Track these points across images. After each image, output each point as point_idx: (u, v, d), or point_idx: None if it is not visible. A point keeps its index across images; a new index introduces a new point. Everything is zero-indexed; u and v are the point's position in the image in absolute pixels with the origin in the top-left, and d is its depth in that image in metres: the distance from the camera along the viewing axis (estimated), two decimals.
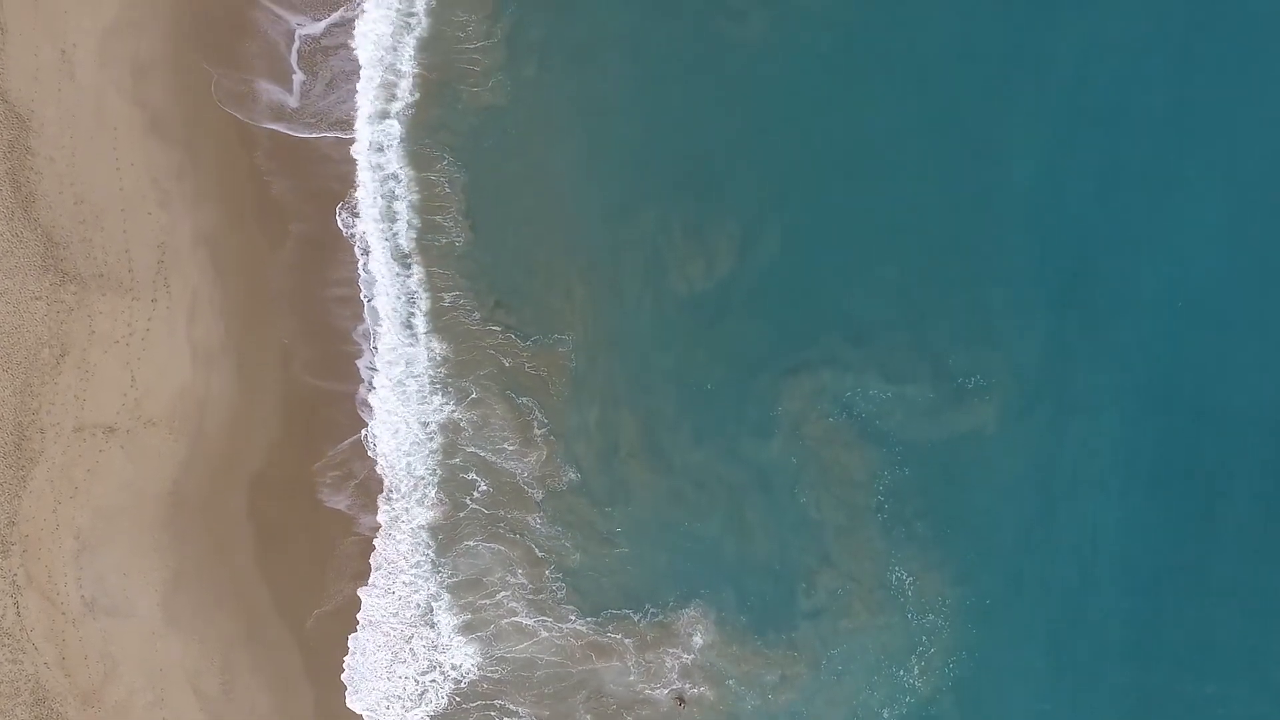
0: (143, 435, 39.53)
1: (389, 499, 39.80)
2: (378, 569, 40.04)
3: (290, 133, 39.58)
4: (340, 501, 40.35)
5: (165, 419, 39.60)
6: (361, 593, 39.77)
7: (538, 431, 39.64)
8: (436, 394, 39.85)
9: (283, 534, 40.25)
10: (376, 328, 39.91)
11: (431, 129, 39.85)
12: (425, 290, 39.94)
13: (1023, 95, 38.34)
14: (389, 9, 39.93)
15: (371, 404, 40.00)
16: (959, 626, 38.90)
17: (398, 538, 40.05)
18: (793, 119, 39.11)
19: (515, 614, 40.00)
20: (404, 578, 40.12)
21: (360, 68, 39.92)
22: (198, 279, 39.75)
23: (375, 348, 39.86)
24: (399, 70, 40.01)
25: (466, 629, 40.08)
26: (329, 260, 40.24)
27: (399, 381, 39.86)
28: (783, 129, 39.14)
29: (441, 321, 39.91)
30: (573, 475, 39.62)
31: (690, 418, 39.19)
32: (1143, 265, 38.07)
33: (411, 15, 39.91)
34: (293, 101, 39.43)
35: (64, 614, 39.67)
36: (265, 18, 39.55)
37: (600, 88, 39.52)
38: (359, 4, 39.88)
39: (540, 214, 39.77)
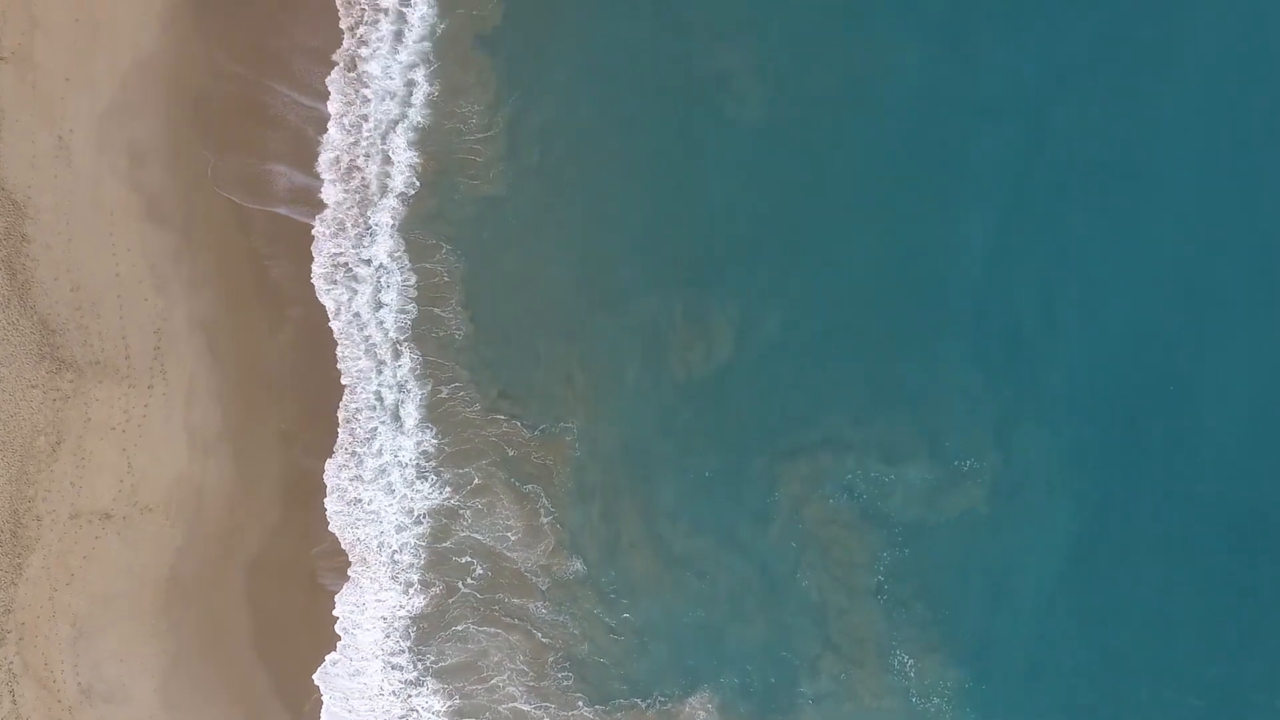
0: (139, 521, 39.28)
1: (368, 581, 39.70)
2: (360, 655, 39.89)
3: (292, 216, 39.45)
4: (341, 586, 40.17)
5: (162, 505, 39.35)
6: (338, 670, 39.58)
7: (544, 519, 39.49)
8: (425, 481, 39.67)
9: (281, 618, 39.99)
10: (363, 415, 39.79)
11: (429, 219, 39.70)
12: (417, 380, 39.74)
13: (1023, 189, 38.34)
14: (389, 100, 39.77)
15: (360, 497, 39.90)
16: (962, 710, 38.72)
17: (373, 622, 39.92)
18: (792, 204, 39.05)
19: (514, 700, 39.75)
20: (385, 660, 39.96)
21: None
22: (195, 364, 39.53)
23: (361, 434, 39.74)
24: (397, 159, 39.84)
25: (457, 714, 39.86)
26: (328, 344, 40.06)
27: (382, 469, 39.70)
28: (782, 214, 39.09)
29: (438, 411, 39.72)
30: (578, 565, 39.46)
31: (691, 506, 39.07)
32: (1124, 356, 37.99)
33: (410, 106, 39.72)
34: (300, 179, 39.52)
35: (60, 702, 39.35)
36: (272, 101, 39.40)
37: (599, 175, 39.52)
38: (361, 92, 39.77)
39: (540, 302, 39.63)
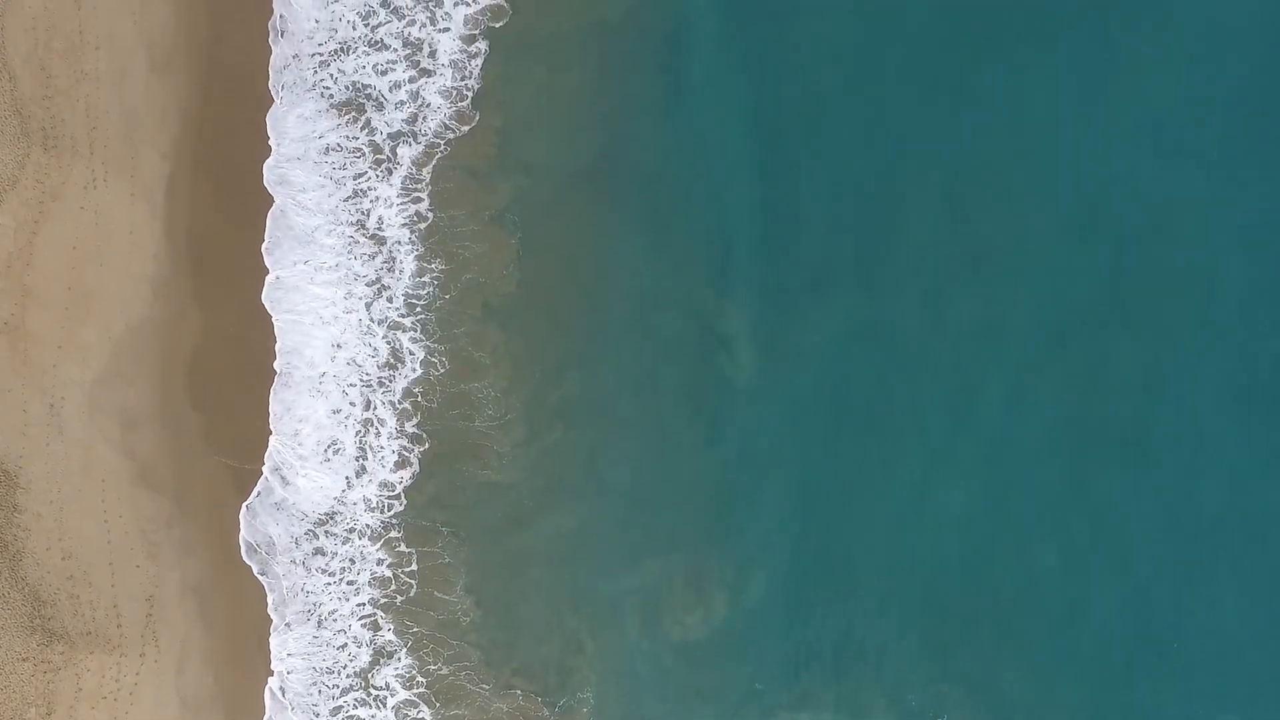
0: None
1: None
2: None
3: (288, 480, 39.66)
4: None
5: None
6: None
7: None
8: None
9: None
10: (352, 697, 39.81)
11: (428, 504, 39.79)
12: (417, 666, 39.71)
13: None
14: (391, 389, 40.04)
15: None
16: None
17: None
18: (782, 465, 39.72)
19: None
20: None
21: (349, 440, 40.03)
22: (186, 630, 39.52)
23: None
24: (398, 444, 40.00)
25: None
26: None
27: None
28: (773, 475, 39.73)
29: (439, 686, 39.81)
30: None
31: None
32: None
33: (411, 396, 39.89)
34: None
35: None
36: (268, 363, 39.66)
37: (602, 451, 39.87)
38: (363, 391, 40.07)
39: (547, 578, 39.84)
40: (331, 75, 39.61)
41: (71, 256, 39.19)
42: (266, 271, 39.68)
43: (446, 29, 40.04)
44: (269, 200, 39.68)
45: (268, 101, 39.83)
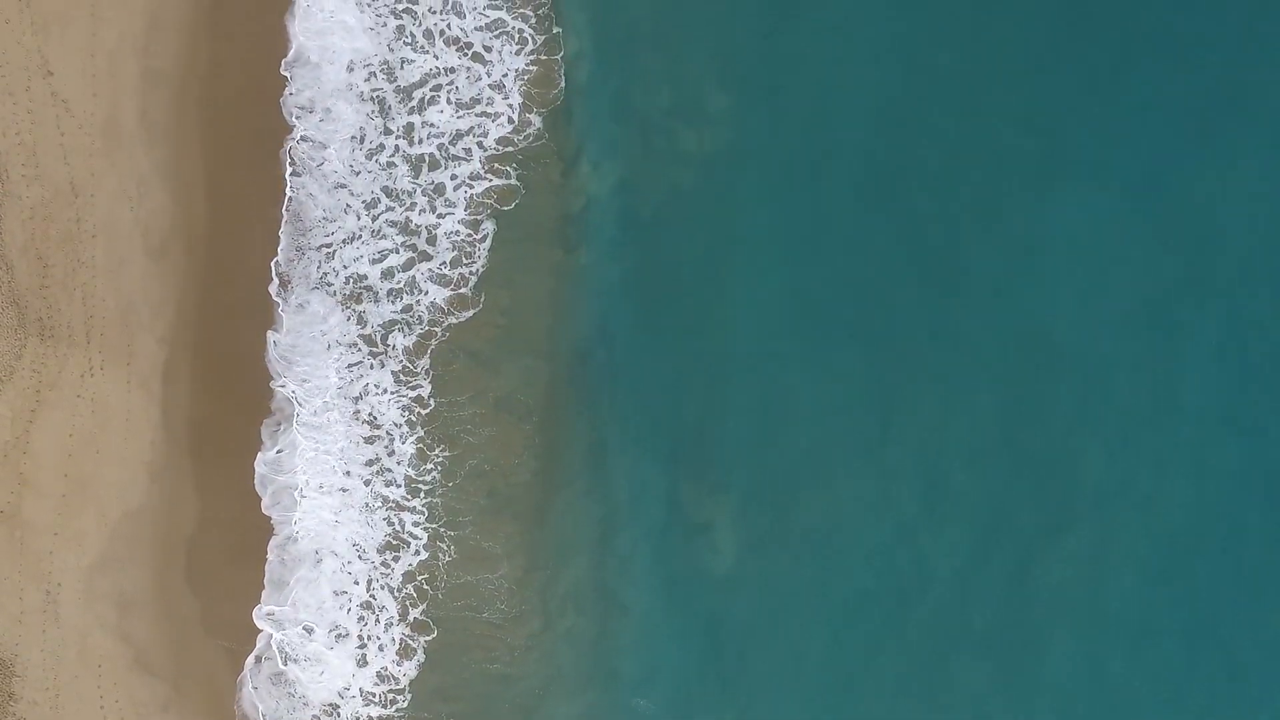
0: None
1: None
2: None
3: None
4: None
5: None
6: None
7: None
8: None
9: None
10: None
11: (431, 698, 39.87)
12: None
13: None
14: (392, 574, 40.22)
15: None
16: None
17: None
18: (768, 658, 40.07)
19: None
20: None
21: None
22: None
23: None
24: (400, 631, 40.19)
25: None
26: None
27: None
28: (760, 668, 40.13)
29: None
30: None
31: None
32: None
33: (414, 581, 40.08)
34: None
35: None
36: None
37: (609, 638, 40.19)
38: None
39: None
40: (335, 268, 39.59)
41: (68, 444, 39.20)
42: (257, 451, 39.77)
43: (449, 213, 39.99)
44: (264, 383, 39.72)
45: (263, 285, 39.78)
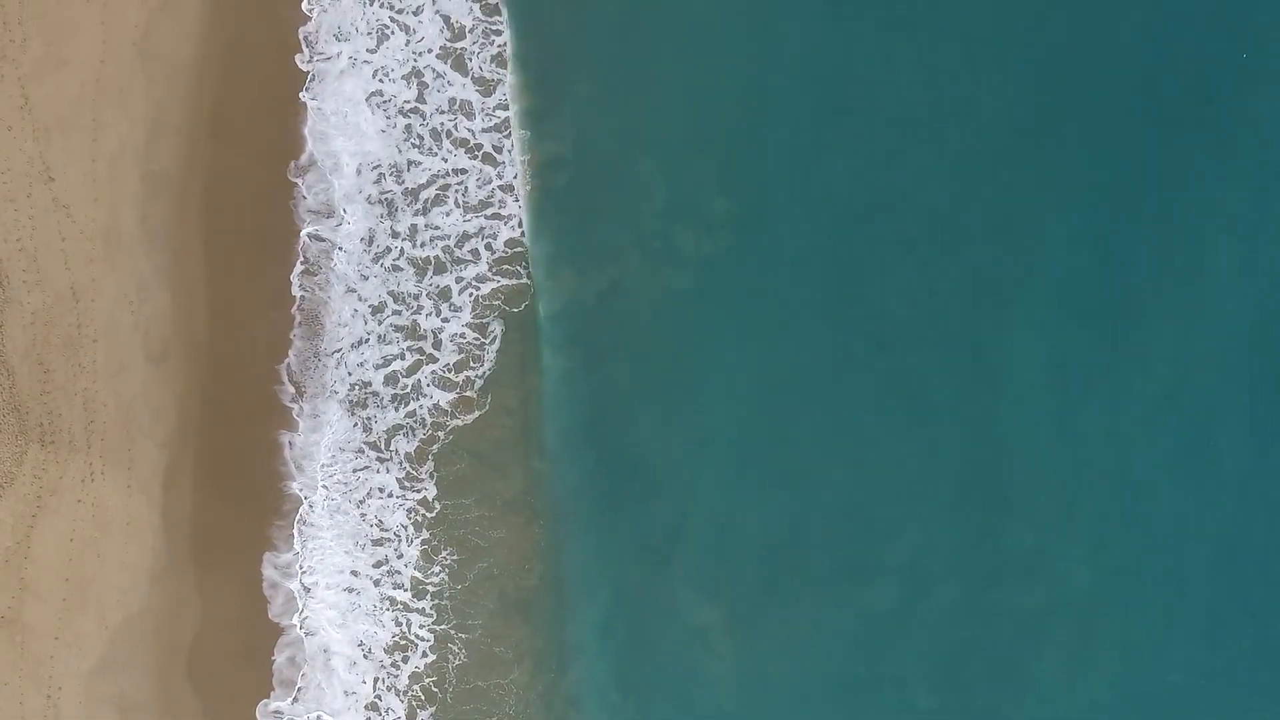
0: None
1: None
2: None
3: None
4: None
5: None
6: None
7: None
8: None
9: None
10: None
11: None
12: None
13: None
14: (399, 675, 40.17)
15: None
16: None
17: None
18: None
19: None
20: None
21: None
22: None
23: None
24: None
25: None
26: None
27: None
28: None
29: None
30: None
31: None
32: None
33: (421, 682, 39.93)
34: None
35: None
36: (267, 648, 39.75)
37: None
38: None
39: None
40: (341, 375, 39.27)
41: (68, 549, 38.87)
42: (263, 553, 39.64)
43: (454, 316, 39.69)
44: (266, 486, 39.64)
45: (264, 388, 39.47)
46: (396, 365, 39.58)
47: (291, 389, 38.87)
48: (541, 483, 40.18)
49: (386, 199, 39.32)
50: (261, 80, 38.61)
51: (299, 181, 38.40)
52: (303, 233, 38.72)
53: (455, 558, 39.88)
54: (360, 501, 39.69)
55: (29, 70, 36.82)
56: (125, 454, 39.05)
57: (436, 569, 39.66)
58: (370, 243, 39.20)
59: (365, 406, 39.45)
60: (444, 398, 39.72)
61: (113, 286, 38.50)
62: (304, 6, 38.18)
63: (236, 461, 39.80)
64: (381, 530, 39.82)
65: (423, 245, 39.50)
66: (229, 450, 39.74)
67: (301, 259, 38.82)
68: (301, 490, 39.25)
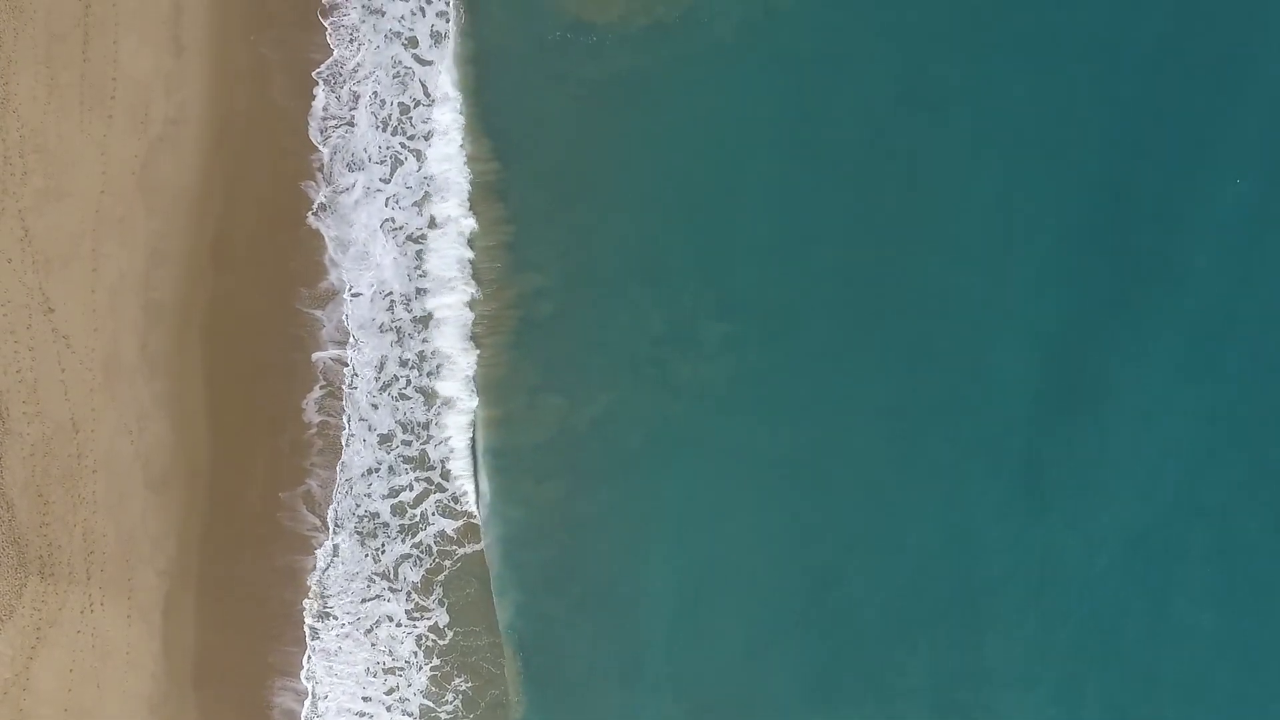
0: None
1: None
2: None
3: None
4: None
5: None
6: None
7: None
8: None
9: None
10: None
11: None
12: None
13: None
14: None
15: None
16: None
17: None
18: None
19: None
20: None
21: None
22: None
23: None
24: None
25: None
26: None
27: None
28: None
29: None
30: None
31: None
32: None
33: None
34: None
35: None
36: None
37: None
38: None
39: None
40: (350, 505, 38.77)
41: (68, 679, 38.35)
42: (266, 680, 39.27)
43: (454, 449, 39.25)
44: (267, 613, 39.27)
45: (265, 515, 38.96)
46: (405, 496, 38.99)
47: (314, 519, 38.30)
48: (546, 610, 39.69)
49: (397, 326, 38.54)
50: (261, 208, 37.71)
51: (319, 313, 37.65)
52: (315, 357, 37.91)
53: (469, 685, 39.72)
54: (369, 630, 39.20)
55: (29, 203, 35.79)
56: (125, 582, 38.42)
57: (449, 696, 39.46)
58: (380, 368, 38.49)
59: (375, 537, 38.90)
60: (449, 525, 39.20)
61: (113, 416, 37.67)
62: (313, 137, 37.10)
63: (237, 589, 39.27)
64: (392, 657, 39.40)
65: (430, 375, 38.74)
66: (229, 578, 39.18)
67: (322, 381, 38.04)
68: (311, 619, 38.72)
